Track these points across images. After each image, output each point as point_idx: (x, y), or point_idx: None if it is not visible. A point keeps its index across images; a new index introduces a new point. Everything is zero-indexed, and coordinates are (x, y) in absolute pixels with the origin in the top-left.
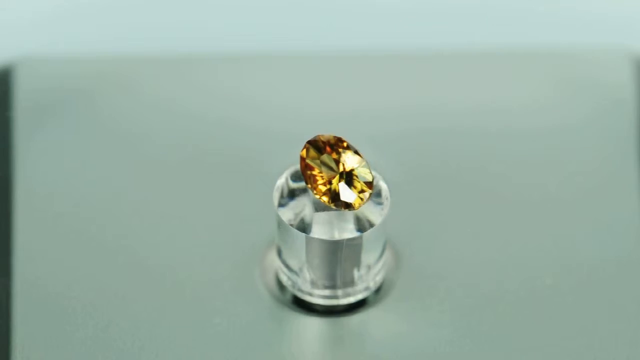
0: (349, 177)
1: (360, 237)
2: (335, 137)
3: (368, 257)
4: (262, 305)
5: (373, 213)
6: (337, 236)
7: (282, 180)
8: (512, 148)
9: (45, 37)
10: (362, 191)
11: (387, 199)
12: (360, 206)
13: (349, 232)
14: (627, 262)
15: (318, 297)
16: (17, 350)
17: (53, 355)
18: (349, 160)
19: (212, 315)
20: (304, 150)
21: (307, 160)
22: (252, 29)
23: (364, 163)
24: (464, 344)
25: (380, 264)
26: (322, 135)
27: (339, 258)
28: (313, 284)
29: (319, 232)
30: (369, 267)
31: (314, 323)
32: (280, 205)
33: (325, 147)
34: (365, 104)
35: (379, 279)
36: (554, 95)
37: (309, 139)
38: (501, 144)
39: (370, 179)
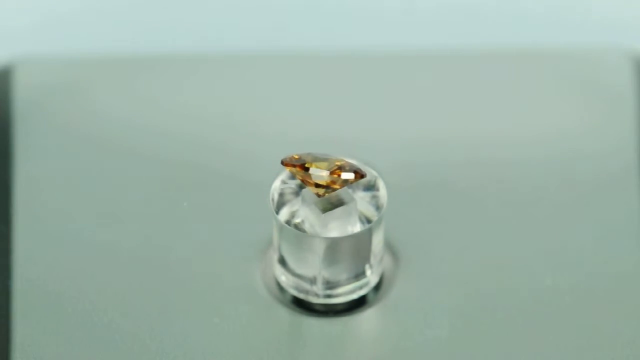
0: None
1: (358, 234)
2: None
3: (366, 255)
4: (262, 305)
5: (370, 210)
6: (335, 234)
7: (279, 181)
8: (510, 148)
9: (45, 37)
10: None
11: (384, 196)
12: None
13: (346, 229)
14: (627, 261)
15: (317, 296)
16: (17, 350)
17: (53, 355)
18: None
19: (212, 315)
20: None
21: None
22: (248, 29)
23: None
24: (464, 344)
25: (379, 262)
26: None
27: (336, 256)
28: (312, 282)
29: (316, 230)
30: (367, 265)
31: (313, 323)
32: (278, 204)
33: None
34: (365, 105)
35: (377, 277)
36: (554, 95)
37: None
38: (499, 143)
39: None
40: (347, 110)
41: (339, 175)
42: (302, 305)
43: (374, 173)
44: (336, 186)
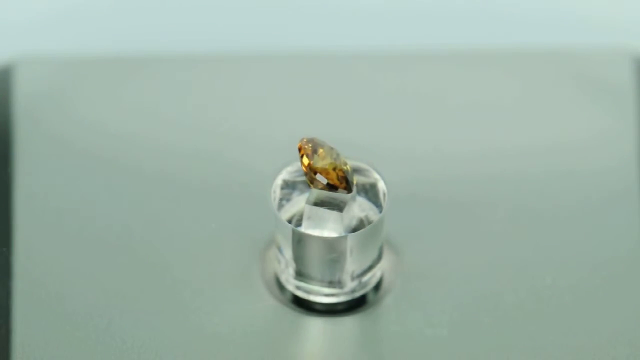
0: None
1: (326, 241)
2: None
3: (367, 255)
4: (262, 305)
5: (371, 211)
6: (334, 233)
7: (279, 180)
8: (509, 148)
9: (45, 37)
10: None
11: (384, 197)
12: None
13: (318, 230)
14: (626, 261)
15: (317, 295)
16: (17, 350)
17: (53, 355)
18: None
19: (212, 315)
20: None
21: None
22: (248, 29)
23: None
24: (464, 343)
25: (379, 262)
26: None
27: (337, 255)
28: (312, 281)
29: (315, 229)
30: (367, 265)
31: (314, 323)
32: (278, 203)
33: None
34: (364, 106)
35: (377, 277)
36: (554, 94)
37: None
38: (499, 143)
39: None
40: (347, 111)
41: (319, 174)
42: (302, 305)
43: (383, 189)
44: (314, 183)
